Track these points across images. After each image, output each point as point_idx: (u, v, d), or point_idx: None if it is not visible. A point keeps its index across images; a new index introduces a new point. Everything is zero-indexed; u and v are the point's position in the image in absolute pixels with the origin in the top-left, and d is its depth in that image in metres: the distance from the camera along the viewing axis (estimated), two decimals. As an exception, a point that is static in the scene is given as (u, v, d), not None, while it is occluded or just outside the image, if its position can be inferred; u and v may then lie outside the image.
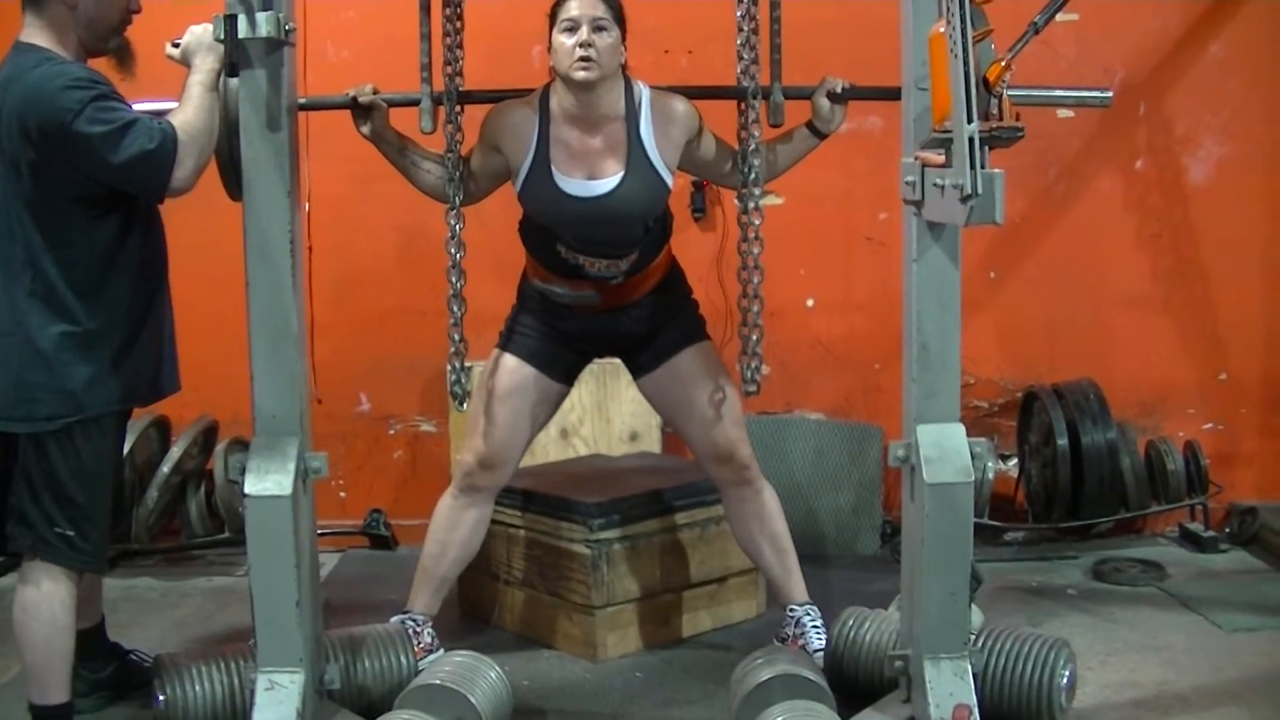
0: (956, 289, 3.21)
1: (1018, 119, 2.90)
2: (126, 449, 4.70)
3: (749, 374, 3.66)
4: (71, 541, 3.26)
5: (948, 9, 2.65)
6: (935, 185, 2.86)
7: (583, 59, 3.61)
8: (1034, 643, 3.44)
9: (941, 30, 2.71)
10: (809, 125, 3.79)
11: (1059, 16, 3.71)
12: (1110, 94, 3.79)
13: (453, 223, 3.68)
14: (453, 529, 3.96)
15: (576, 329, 3.95)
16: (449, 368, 3.68)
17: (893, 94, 3.36)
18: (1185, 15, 5.31)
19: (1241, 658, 3.98)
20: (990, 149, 2.72)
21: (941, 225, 3.11)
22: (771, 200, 4.99)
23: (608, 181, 3.73)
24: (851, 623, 3.70)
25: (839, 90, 3.71)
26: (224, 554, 5.10)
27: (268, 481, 3.11)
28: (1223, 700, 3.68)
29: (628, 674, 3.99)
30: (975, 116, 2.61)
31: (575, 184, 3.72)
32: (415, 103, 3.71)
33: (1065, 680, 3.41)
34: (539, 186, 3.74)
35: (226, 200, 3.36)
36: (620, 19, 3.70)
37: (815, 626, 3.91)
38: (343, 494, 5.48)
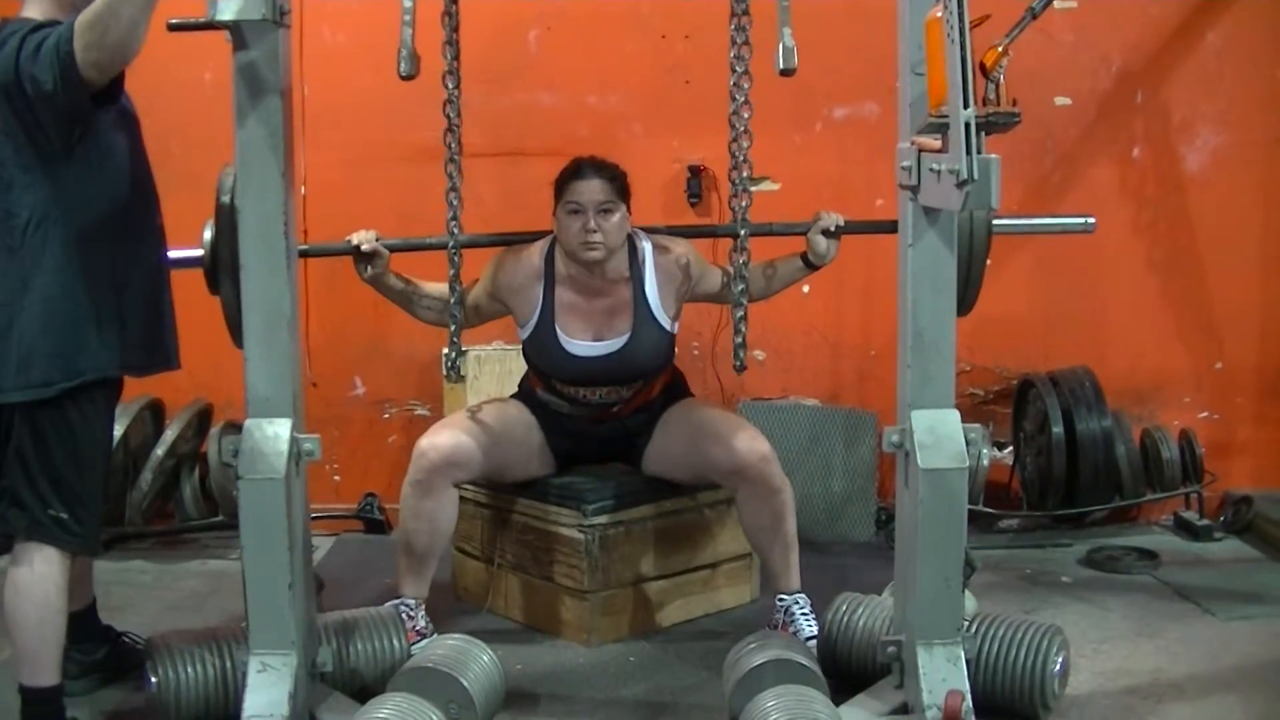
0: (952, 275, 3.20)
1: (1014, 105, 2.90)
2: (121, 432, 4.72)
3: (737, 352, 3.68)
4: (64, 524, 3.25)
5: (945, -7, 2.65)
6: (931, 170, 2.86)
7: (589, 243, 3.75)
8: (1027, 630, 3.43)
9: (938, 15, 2.70)
10: (803, 258, 3.92)
11: (1057, 4, 3.73)
12: (1094, 221, 3.85)
13: (453, 201, 3.72)
14: (417, 518, 3.95)
15: (580, 430, 4.10)
16: (449, 344, 3.72)
17: (889, 228, 3.40)
18: (1183, 4, 5.29)
19: (1235, 646, 3.98)
20: (987, 134, 2.71)
21: (937, 211, 3.10)
22: (767, 186, 5.00)
23: (615, 342, 3.89)
24: (845, 608, 3.69)
25: (833, 228, 3.83)
26: (218, 537, 5.09)
27: (261, 464, 3.10)
28: (1216, 688, 3.69)
29: (620, 659, 3.99)
30: (972, 101, 2.60)
31: (581, 345, 3.90)
32: (416, 248, 3.86)
33: (1058, 667, 3.41)
34: (544, 345, 3.91)
35: (221, 181, 3.35)
36: (624, 193, 3.85)
37: (804, 614, 3.92)
38: (337, 478, 5.47)
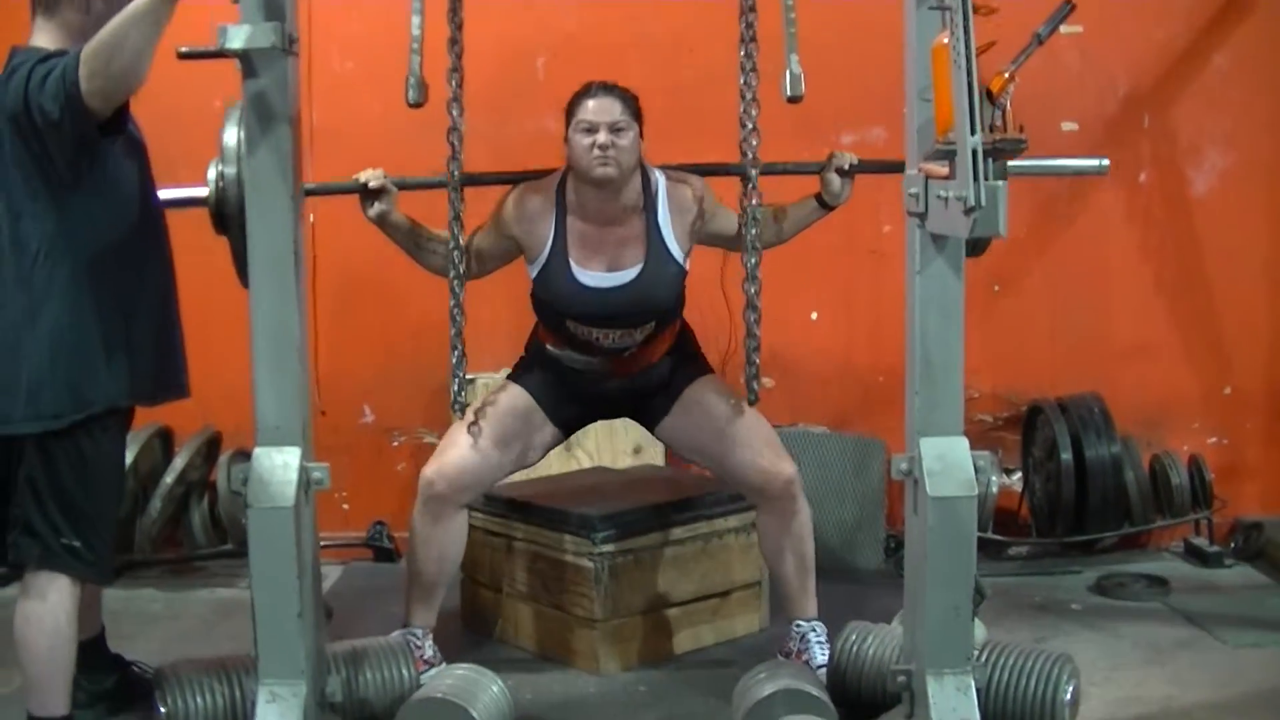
0: (960, 301, 3.20)
1: (1021, 130, 2.90)
2: (130, 459, 4.71)
3: (749, 382, 3.67)
4: (78, 552, 3.25)
5: (951, 20, 2.65)
6: (939, 197, 2.86)
7: (601, 157, 3.70)
8: (1037, 658, 3.42)
9: (945, 41, 2.71)
10: (818, 198, 3.89)
11: (1063, 28, 3.72)
12: (1107, 162, 3.83)
13: (455, 231, 3.68)
14: (427, 544, 3.92)
15: (588, 391, 4.01)
16: (451, 378, 3.69)
17: (897, 167, 3.37)
18: (1189, 26, 5.30)
19: (1247, 673, 3.96)
20: (994, 161, 2.71)
21: (945, 237, 3.10)
22: (775, 210, 4.99)
23: (627, 273, 3.82)
24: (854, 637, 3.68)
25: (847, 167, 3.82)
26: (227, 565, 5.09)
27: (270, 492, 3.10)
28: (1227, 716, 3.67)
29: (631, 688, 3.98)
30: (979, 128, 2.61)
31: (593, 276, 3.82)
32: (421, 186, 3.80)
33: (1069, 696, 3.40)
34: (556, 278, 3.83)
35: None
36: (637, 114, 3.79)
37: (820, 642, 3.90)
38: (346, 506, 5.46)
